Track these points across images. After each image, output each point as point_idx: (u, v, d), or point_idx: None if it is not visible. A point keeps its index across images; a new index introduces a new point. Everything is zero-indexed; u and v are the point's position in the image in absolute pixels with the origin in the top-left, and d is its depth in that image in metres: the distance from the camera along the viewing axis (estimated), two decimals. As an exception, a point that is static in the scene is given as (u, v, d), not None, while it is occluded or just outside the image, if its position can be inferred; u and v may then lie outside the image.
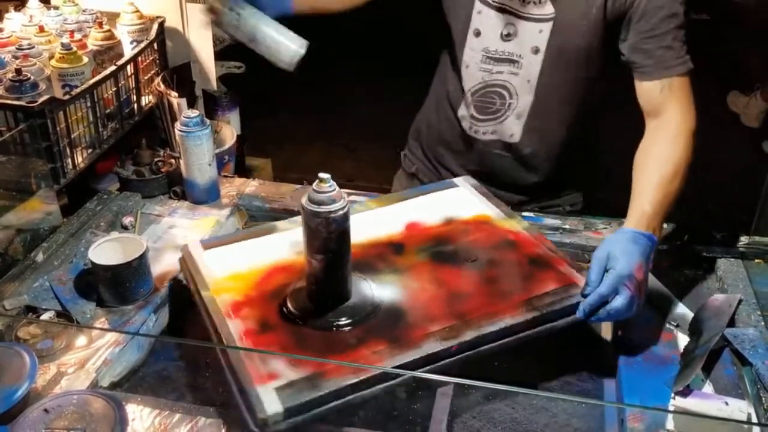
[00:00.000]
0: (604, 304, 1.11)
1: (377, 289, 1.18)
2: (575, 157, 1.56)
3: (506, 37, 1.42)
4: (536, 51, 1.41)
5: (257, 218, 1.59)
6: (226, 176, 1.73)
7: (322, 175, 1.06)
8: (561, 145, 1.52)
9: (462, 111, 1.54)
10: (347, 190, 1.63)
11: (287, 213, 1.56)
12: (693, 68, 1.31)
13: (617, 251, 1.15)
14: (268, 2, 1.30)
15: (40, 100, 1.38)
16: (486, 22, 1.43)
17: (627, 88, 1.37)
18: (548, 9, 1.37)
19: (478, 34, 1.45)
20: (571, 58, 1.40)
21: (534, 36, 1.40)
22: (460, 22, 1.47)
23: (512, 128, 1.50)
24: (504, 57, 1.44)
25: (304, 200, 1.07)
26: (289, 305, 1.14)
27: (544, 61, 1.41)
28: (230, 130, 1.98)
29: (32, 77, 1.44)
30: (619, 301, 1.10)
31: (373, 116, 3.70)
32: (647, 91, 1.33)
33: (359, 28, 3.48)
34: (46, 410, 0.97)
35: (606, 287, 1.11)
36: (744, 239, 1.44)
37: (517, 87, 1.46)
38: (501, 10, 1.41)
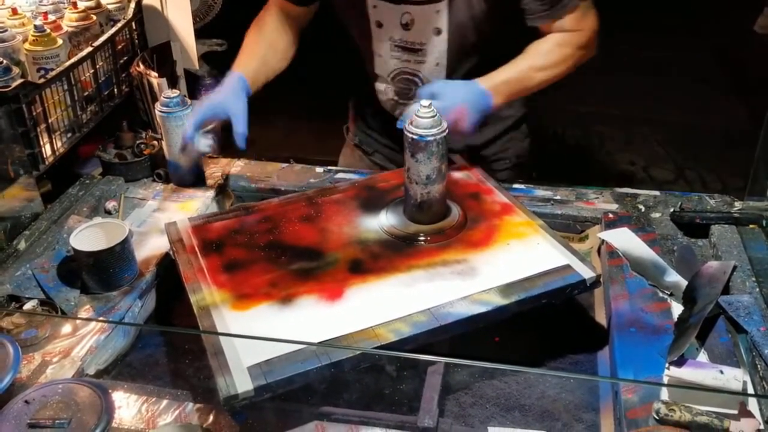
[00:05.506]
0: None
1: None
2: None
3: (405, 26, 1.42)
4: (438, 32, 1.41)
5: (244, 198, 1.57)
6: (210, 157, 1.70)
7: (424, 102, 1.20)
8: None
9: (383, 96, 1.55)
10: (336, 168, 1.62)
11: (274, 192, 1.53)
12: None
13: (447, 89, 1.30)
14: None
15: (14, 84, 1.34)
16: (384, 13, 1.43)
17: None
18: None
19: (380, 25, 1.45)
20: (470, 30, 1.40)
21: (432, 17, 1.39)
22: (361, 17, 1.46)
23: None
24: (407, 46, 1.45)
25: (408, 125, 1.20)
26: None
27: (449, 39, 1.41)
28: (215, 109, 1.93)
29: (5, 61, 1.40)
30: None
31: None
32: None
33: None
34: (26, 401, 0.96)
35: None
36: (738, 204, 1.42)
37: (426, 74, 1.47)
38: (394, 0, 1.39)
